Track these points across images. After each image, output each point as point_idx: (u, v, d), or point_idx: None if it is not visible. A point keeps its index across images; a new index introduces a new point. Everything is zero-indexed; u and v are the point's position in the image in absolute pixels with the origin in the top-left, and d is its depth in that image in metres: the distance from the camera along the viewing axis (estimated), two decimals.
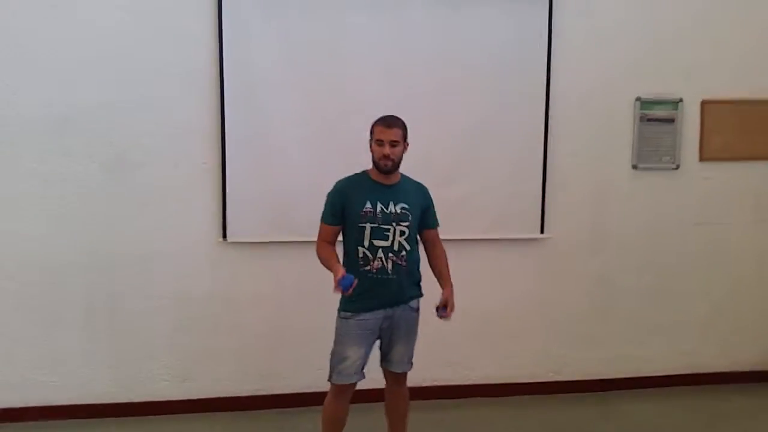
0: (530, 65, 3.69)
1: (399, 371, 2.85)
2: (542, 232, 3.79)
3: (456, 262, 3.68)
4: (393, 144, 2.66)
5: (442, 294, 2.81)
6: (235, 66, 3.40)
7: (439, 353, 3.75)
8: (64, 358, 3.46)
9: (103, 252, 3.43)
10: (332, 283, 2.55)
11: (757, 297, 4.11)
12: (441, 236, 3.52)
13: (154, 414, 3.52)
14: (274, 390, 3.65)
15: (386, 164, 2.67)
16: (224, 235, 3.49)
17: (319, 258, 2.72)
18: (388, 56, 3.53)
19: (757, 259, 4.08)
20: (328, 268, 2.64)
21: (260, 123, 3.45)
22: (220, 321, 3.57)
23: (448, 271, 2.89)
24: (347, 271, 2.68)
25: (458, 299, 3.69)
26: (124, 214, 3.43)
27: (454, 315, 3.66)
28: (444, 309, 2.78)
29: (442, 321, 3.65)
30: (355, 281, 2.52)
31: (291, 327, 3.60)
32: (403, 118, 3.43)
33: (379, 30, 3.52)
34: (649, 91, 3.85)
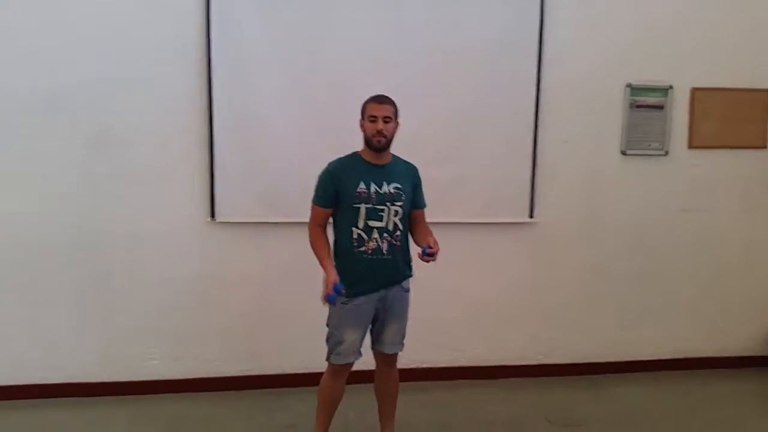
0: (521, 51, 3.69)
1: (391, 352, 2.84)
2: (531, 216, 3.82)
3: (446, 245, 3.66)
4: (386, 120, 2.66)
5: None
6: (224, 45, 3.39)
7: (429, 335, 3.76)
8: (52, 338, 3.46)
9: (91, 231, 3.43)
10: (320, 270, 2.59)
11: (744, 284, 4.15)
12: (431, 219, 3.53)
13: (143, 393, 3.53)
14: (262, 371, 3.66)
15: (380, 140, 2.66)
16: (212, 215, 3.49)
17: (312, 248, 2.71)
18: (379, 37, 3.53)
19: (743, 247, 4.12)
20: (321, 264, 2.65)
21: (249, 102, 3.44)
22: (208, 301, 3.58)
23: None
24: (340, 256, 2.72)
25: (448, 281, 3.76)
26: (112, 193, 3.42)
27: (444, 297, 3.76)
28: (428, 247, 2.65)
29: (431, 304, 3.71)
30: (343, 290, 2.57)
31: (279, 308, 3.61)
32: (394, 100, 3.48)
33: (371, 10, 3.51)
34: (640, 78, 3.87)
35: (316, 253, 2.70)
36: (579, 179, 3.88)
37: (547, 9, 3.69)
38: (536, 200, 3.81)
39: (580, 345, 4.00)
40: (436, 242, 2.72)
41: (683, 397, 3.76)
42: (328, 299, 2.56)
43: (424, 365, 3.82)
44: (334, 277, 2.58)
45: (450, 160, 3.67)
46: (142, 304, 3.51)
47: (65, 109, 3.33)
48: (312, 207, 2.74)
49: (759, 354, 4.20)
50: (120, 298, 3.49)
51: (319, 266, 2.66)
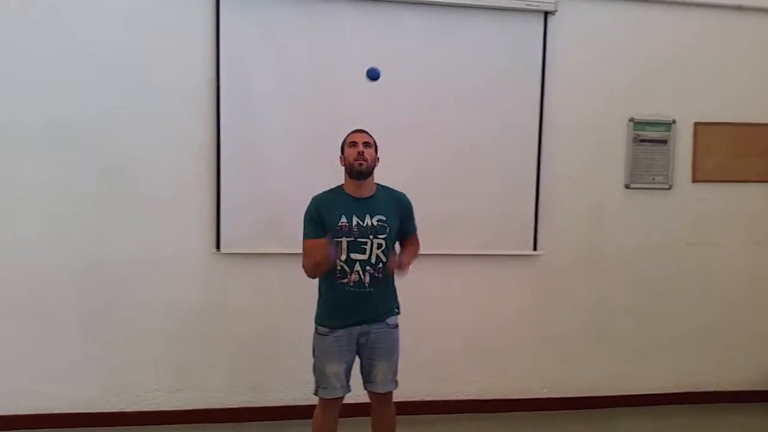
0: (525, 85, 3.74)
1: (383, 391, 2.80)
2: (535, 249, 3.82)
3: (449, 276, 3.77)
4: (366, 145, 2.68)
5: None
6: (231, 80, 3.46)
7: (431, 368, 3.77)
8: (57, 367, 3.47)
9: (98, 261, 3.46)
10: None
11: (750, 317, 4.12)
12: (436, 251, 3.58)
13: (146, 424, 3.52)
14: (263, 402, 3.65)
15: (361, 163, 2.65)
16: (218, 246, 3.52)
17: (309, 269, 2.67)
18: (384, 71, 3.51)
19: (748, 280, 4.10)
20: (318, 262, 2.57)
21: (255, 137, 3.50)
22: (212, 331, 3.59)
23: (414, 254, 2.80)
24: (324, 287, 2.73)
25: (451, 313, 3.78)
26: (120, 224, 3.46)
27: (447, 329, 3.78)
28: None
29: (434, 336, 3.71)
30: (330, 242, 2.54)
31: (281, 339, 3.61)
32: (397, 134, 3.50)
33: (375, 45, 3.57)
34: (643, 112, 3.90)
35: (312, 267, 2.63)
36: (583, 212, 3.89)
37: (549, 43, 3.74)
38: (540, 233, 3.82)
39: (584, 378, 3.98)
40: (408, 257, 2.71)
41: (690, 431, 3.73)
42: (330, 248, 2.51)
43: (427, 398, 3.80)
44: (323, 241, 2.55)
45: (455, 192, 3.69)
46: (146, 334, 3.53)
47: (76, 140, 3.39)
48: (303, 244, 2.71)
49: (766, 388, 4.16)
50: (124, 328, 3.51)
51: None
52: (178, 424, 3.55)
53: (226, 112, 3.46)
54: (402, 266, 2.66)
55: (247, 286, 3.59)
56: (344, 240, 2.66)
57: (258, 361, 3.64)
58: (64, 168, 3.40)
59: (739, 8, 3.91)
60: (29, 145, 3.37)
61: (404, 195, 2.85)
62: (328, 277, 2.70)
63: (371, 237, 2.68)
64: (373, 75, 2.71)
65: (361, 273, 2.68)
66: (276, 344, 3.62)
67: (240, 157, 3.49)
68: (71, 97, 3.38)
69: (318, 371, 2.75)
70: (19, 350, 3.44)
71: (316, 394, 2.77)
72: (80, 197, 3.42)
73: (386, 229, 2.71)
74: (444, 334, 3.78)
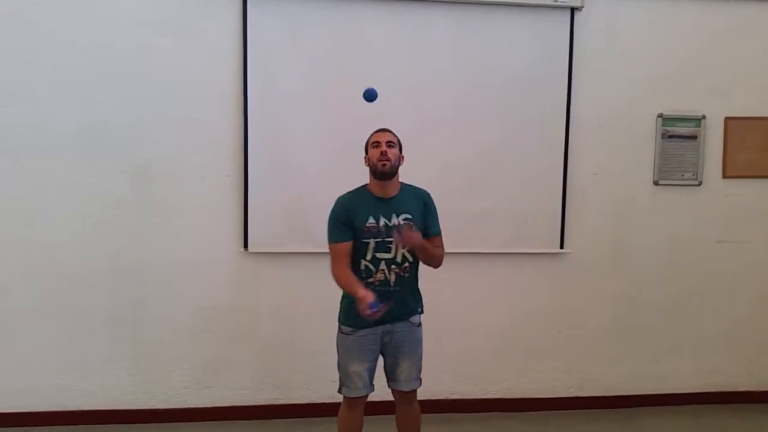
0: (551, 80, 3.70)
1: (407, 389, 2.80)
2: (562, 247, 3.79)
3: (476, 274, 3.76)
4: (389, 144, 2.66)
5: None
6: (258, 82, 3.48)
7: (457, 366, 3.77)
8: (88, 364, 3.54)
9: (127, 261, 3.51)
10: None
11: None
12: (462, 249, 3.55)
13: (174, 421, 3.57)
14: (290, 400, 3.68)
15: (384, 164, 2.62)
16: (245, 245, 3.55)
17: (339, 283, 2.66)
18: (410, 71, 3.58)
19: None
20: (352, 292, 2.55)
21: (282, 138, 3.52)
22: (239, 330, 3.62)
23: (432, 252, 2.70)
24: None
25: (478, 312, 3.76)
26: (148, 224, 3.51)
27: (474, 327, 3.78)
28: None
29: (461, 334, 3.70)
30: (383, 304, 2.46)
31: (308, 337, 3.63)
32: (424, 132, 3.48)
33: (401, 45, 3.57)
34: (672, 108, 3.84)
35: (344, 286, 2.64)
36: (611, 209, 3.85)
37: (576, 39, 3.70)
38: (567, 230, 3.78)
39: (612, 377, 3.94)
40: (422, 240, 2.60)
41: None
42: (372, 308, 2.43)
43: (453, 396, 3.79)
44: (363, 293, 2.48)
45: (480, 190, 3.68)
46: (175, 332, 3.57)
47: (107, 142, 3.45)
48: (330, 248, 2.69)
49: None
50: (153, 326, 3.56)
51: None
52: (206, 421, 3.59)
53: (253, 114, 3.48)
54: (410, 238, 2.55)
55: (275, 285, 3.62)
56: (372, 241, 2.65)
57: (285, 359, 3.66)
58: (96, 170, 3.45)
59: None
60: (61, 148, 3.42)
61: (428, 193, 2.81)
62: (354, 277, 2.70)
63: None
64: (369, 96, 2.65)
65: (386, 272, 2.68)
66: (303, 342, 3.65)
67: (267, 157, 3.51)
68: (102, 101, 3.42)
69: (342, 369, 2.77)
70: (50, 348, 3.50)
71: (340, 392, 2.79)
72: (111, 198, 3.48)
73: (412, 227, 2.66)
74: (471, 332, 3.77)
